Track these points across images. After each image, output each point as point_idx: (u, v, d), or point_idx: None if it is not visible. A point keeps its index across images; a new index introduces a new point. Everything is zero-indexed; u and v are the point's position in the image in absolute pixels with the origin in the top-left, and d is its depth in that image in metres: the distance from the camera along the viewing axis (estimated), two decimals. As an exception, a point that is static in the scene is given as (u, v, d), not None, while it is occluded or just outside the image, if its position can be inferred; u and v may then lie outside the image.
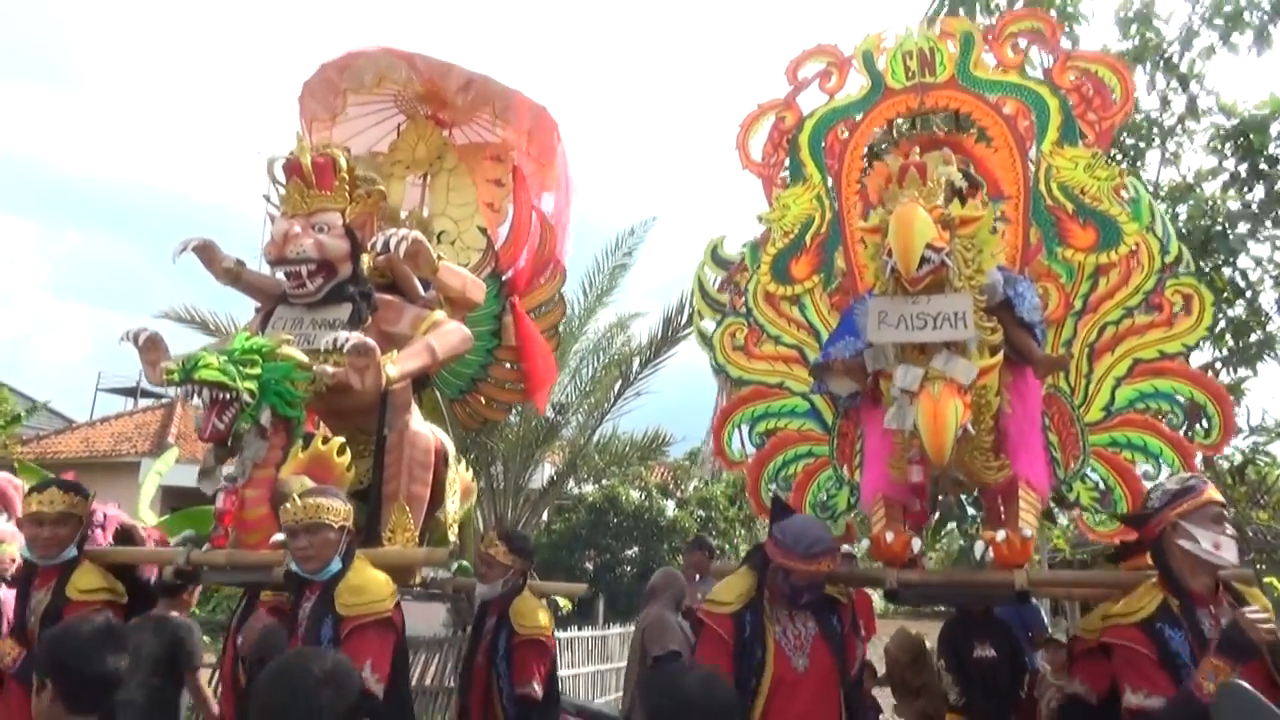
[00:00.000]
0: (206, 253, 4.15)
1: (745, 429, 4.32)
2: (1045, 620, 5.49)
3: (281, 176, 4.09)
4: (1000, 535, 3.38)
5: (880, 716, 5.48)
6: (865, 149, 4.28)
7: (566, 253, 5.35)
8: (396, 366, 3.78)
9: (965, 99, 4.08)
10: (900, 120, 4.30)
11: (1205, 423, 3.72)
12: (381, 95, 5.03)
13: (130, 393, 29.48)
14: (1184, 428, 3.78)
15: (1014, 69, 4.11)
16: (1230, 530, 2.90)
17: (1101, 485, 3.77)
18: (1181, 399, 3.72)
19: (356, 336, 3.65)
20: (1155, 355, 3.74)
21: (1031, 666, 5.10)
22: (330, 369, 3.71)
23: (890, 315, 3.32)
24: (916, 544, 3.52)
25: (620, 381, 10.26)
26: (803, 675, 3.32)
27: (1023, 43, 4.19)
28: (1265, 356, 6.05)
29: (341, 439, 3.86)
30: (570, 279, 9.48)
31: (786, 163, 4.33)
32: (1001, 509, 3.59)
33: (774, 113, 4.41)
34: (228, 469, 3.65)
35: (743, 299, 4.32)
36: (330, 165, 4.06)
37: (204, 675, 4.60)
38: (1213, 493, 2.95)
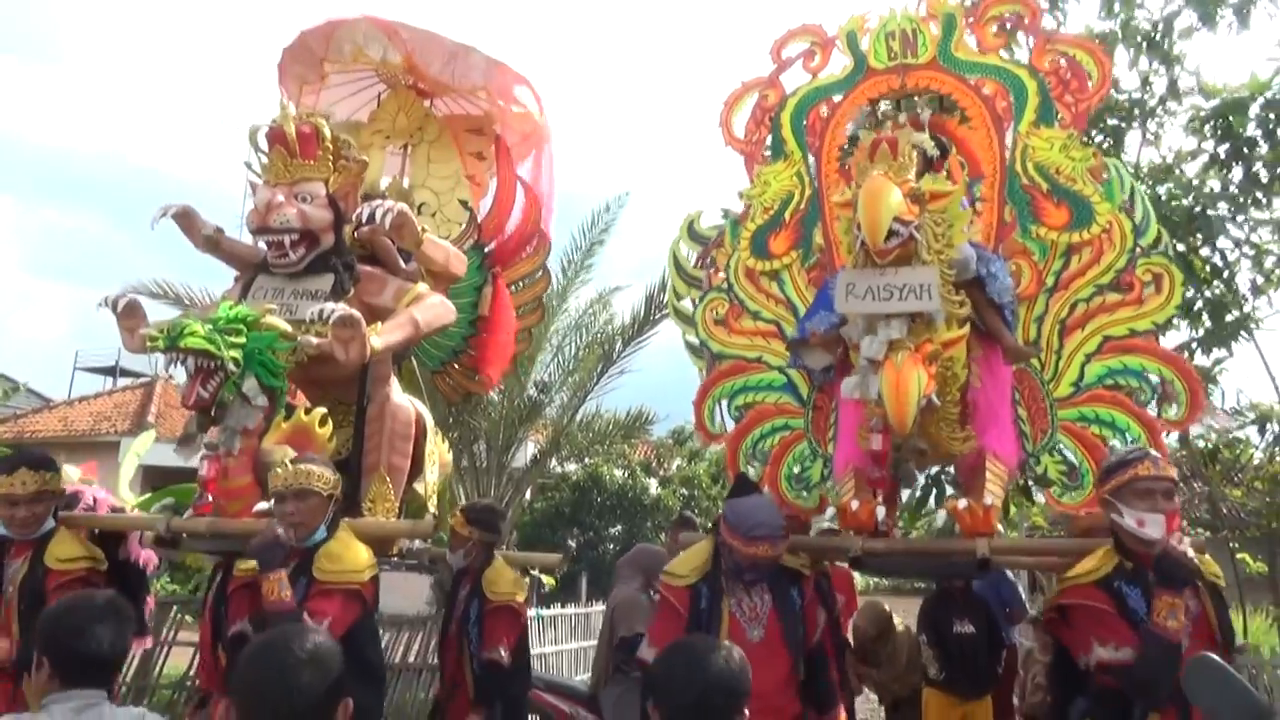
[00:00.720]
0: (186, 219, 4.14)
1: (724, 403, 4.39)
2: (1023, 597, 5.57)
3: (264, 145, 4.07)
4: (963, 504, 3.46)
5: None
6: (851, 128, 4.34)
7: (550, 225, 5.38)
8: (381, 338, 3.79)
9: (946, 80, 4.12)
10: (885, 103, 4.36)
11: (1173, 399, 3.78)
12: (364, 69, 5.03)
13: (109, 371, 29.15)
14: (1152, 404, 3.85)
15: (995, 51, 4.17)
16: (1164, 504, 2.96)
17: (1070, 459, 3.83)
18: (1150, 376, 3.79)
19: (342, 308, 3.66)
20: (1125, 332, 3.80)
21: (1009, 642, 5.20)
22: (314, 339, 3.71)
23: (858, 287, 3.39)
24: (882, 513, 3.59)
25: (603, 360, 10.27)
26: (758, 645, 3.37)
27: (1005, 26, 4.25)
28: (1240, 337, 6.11)
29: (323, 410, 3.89)
30: (550, 257, 9.53)
31: (768, 140, 4.38)
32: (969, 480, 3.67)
33: (757, 90, 4.46)
34: (208, 437, 3.67)
35: (720, 275, 4.39)
36: (314, 134, 4.05)
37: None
38: (1145, 468, 3.00)
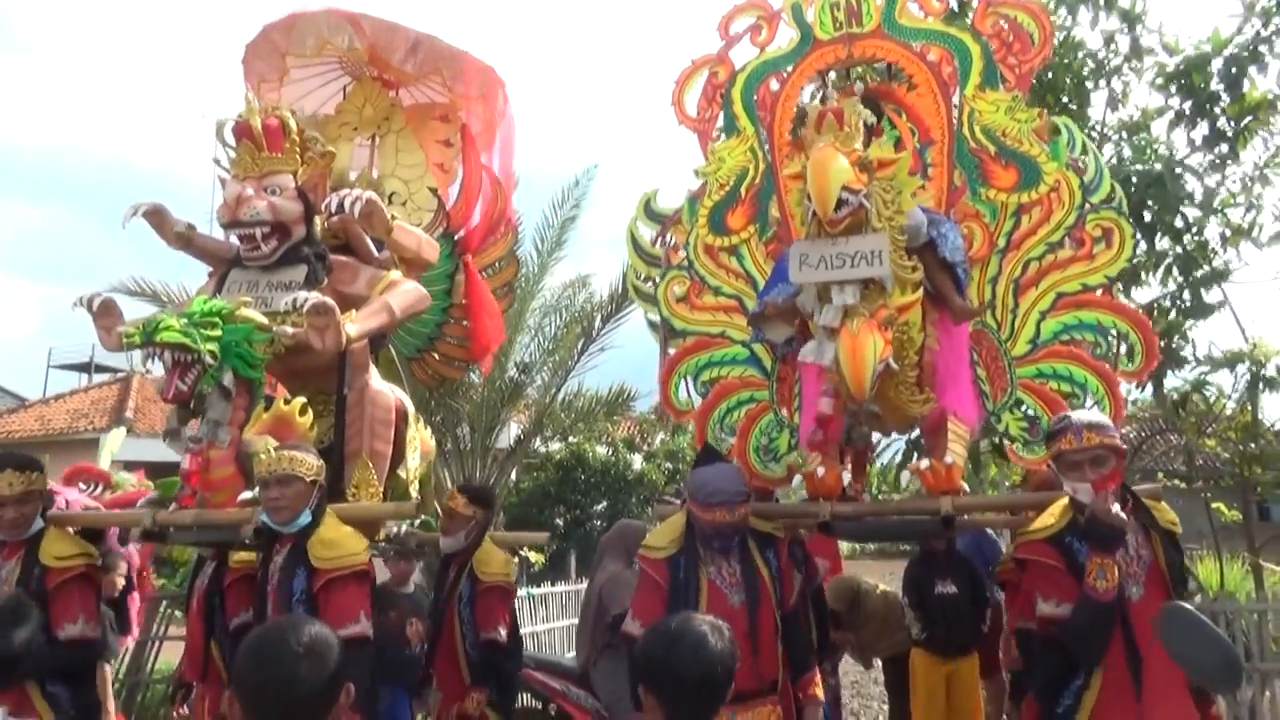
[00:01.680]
0: (157, 217, 4.14)
1: (690, 379, 4.45)
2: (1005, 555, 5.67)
3: (231, 139, 4.09)
4: (924, 464, 3.53)
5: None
6: (802, 102, 4.38)
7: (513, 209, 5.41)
8: (356, 325, 3.80)
9: (891, 48, 4.17)
10: (833, 73, 4.41)
11: (1128, 349, 3.86)
12: (328, 57, 5.03)
13: (83, 368, 29.03)
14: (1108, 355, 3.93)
15: (938, 16, 4.22)
16: (1091, 473, 3.01)
17: (1032, 414, 3.90)
18: (1106, 328, 3.86)
19: (316, 296, 3.67)
20: (1077, 288, 3.85)
21: (993, 600, 5.29)
22: (290, 329, 3.73)
23: (811, 257, 3.45)
24: (847, 477, 3.66)
25: (583, 338, 10.30)
26: (738, 610, 3.45)
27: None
28: (1209, 287, 6.20)
29: (303, 399, 3.93)
30: (524, 238, 9.50)
31: (720, 117, 4.42)
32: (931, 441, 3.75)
33: (707, 68, 4.51)
34: (191, 431, 3.70)
35: (680, 253, 4.44)
36: (280, 127, 4.06)
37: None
38: (1067, 442, 3.05)
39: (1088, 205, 3.88)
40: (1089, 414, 3.21)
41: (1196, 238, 6.33)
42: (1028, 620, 3.46)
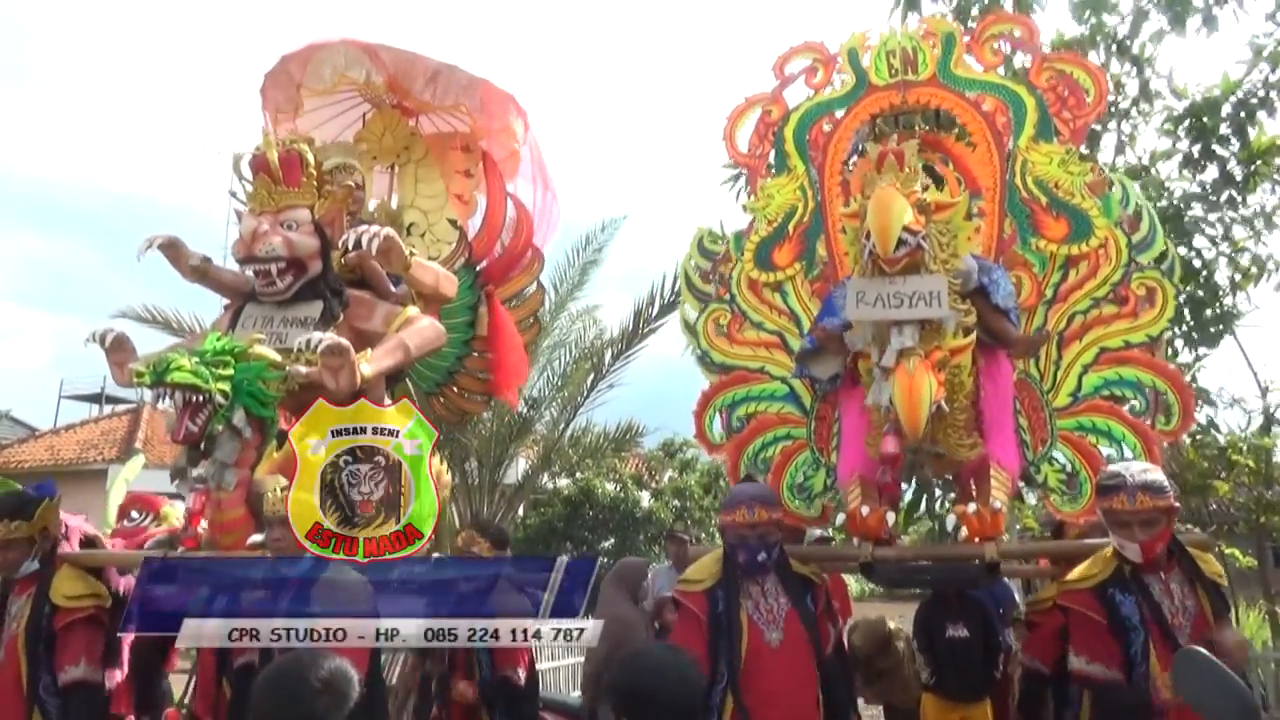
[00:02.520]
0: (172, 250, 4.08)
1: (725, 413, 4.44)
2: (1018, 599, 5.63)
3: (248, 173, 4.03)
4: (971, 508, 3.52)
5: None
6: (853, 145, 4.42)
7: (548, 240, 5.33)
8: (371, 365, 3.76)
9: (945, 96, 4.23)
10: (882, 120, 4.46)
11: (1165, 410, 3.87)
12: (345, 89, 4.99)
13: (94, 399, 28.94)
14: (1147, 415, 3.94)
15: (993, 69, 4.28)
16: (1140, 534, 3.07)
17: (1068, 468, 3.91)
18: (1145, 387, 3.88)
19: (330, 337, 3.63)
20: (1120, 344, 3.91)
21: (1005, 644, 5.23)
22: (304, 369, 3.66)
23: (868, 294, 3.46)
24: (891, 518, 3.64)
25: (592, 374, 10.24)
26: (777, 649, 3.44)
27: (1003, 45, 4.37)
28: (1220, 329, 6.25)
29: None
30: (541, 275, 9.50)
31: (771, 154, 4.46)
32: (973, 487, 3.74)
33: (760, 106, 4.55)
34: (199, 470, 3.61)
35: (726, 289, 4.45)
36: (298, 161, 4.00)
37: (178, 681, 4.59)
38: (1120, 501, 3.10)
39: (1134, 264, 3.92)
40: (1144, 472, 3.19)
41: (1205, 281, 6.38)
42: (1041, 661, 3.47)
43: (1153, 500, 3.05)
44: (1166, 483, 3.16)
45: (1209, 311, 6.24)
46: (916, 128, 4.41)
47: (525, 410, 10.00)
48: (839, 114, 4.36)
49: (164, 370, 3.37)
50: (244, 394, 3.51)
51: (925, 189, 3.59)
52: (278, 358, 3.64)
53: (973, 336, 3.52)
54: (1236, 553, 7.73)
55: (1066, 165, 3.99)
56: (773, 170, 4.45)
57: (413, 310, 4.18)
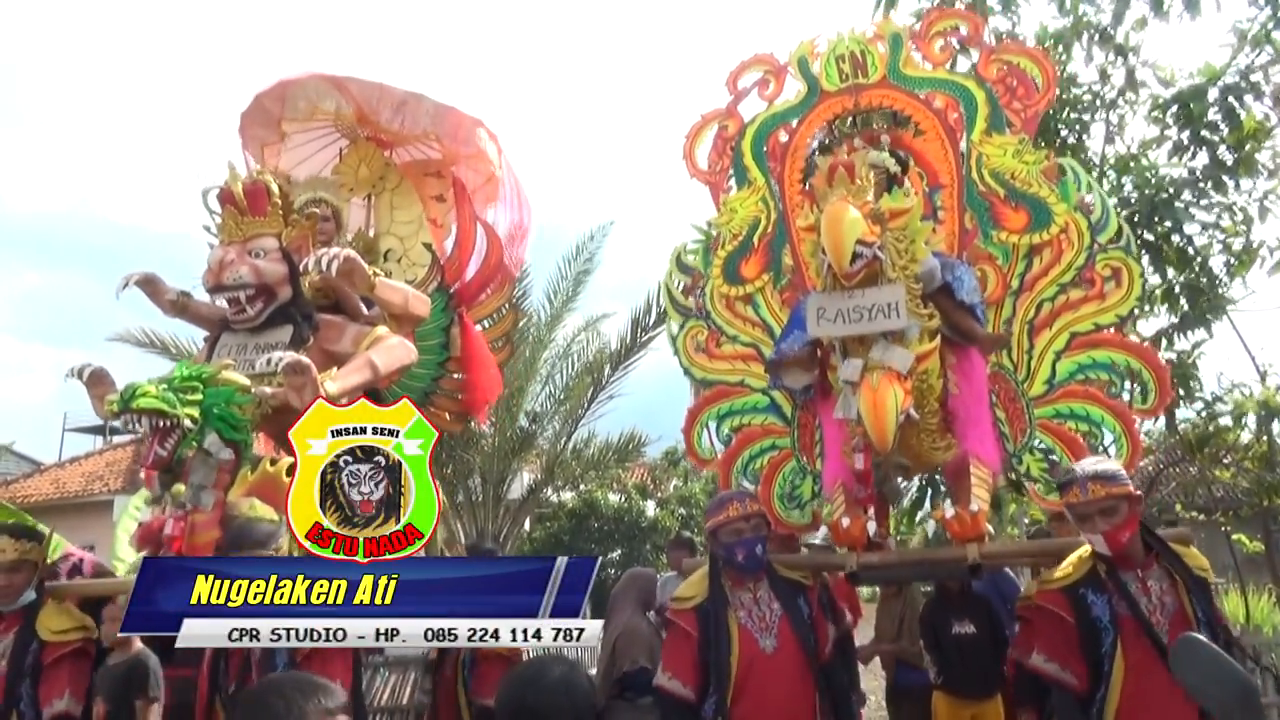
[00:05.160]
0: (150, 286, 4.19)
1: (713, 427, 4.48)
2: (1023, 592, 5.64)
3: (216, 205, 4.14)
4: (950, 512, 3.55)
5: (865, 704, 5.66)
6: (811, 149, 4.45)
7: (521, 261, 5.41)
8: (336, 383, 3.81)
9: (897, 96, 4.25)
10: (840, 122, 4.48)
11: (1141, 388, 3.89)
12: (321, 121, 5.11)
13: (99, 431, 28.89)
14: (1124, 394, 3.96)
15: (942, 65, 4.30)
16: (1101, 524, 3.08)
17: (1052, 455, 3.93)
18: (1119, 367, 3.89)
19: (290, 355, 3.70)
20: (1090, 327, 3.90)
21: (1013, 639, 5.25)
22: (269, 390, 3.74)
23: (829, 310, 3.49)
24: (872, 527, 3.69)
25: (592, 386, 10.35)
26: (772, 656, 3.46)
27: (951, 41, 4.38)
28: (1218, 317, 6.22)
29: (290, 459, 3.91)
30: (535, 288, 9.58)
31: (731, 168, 4.50)
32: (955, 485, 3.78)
33: (716, 122, 4.58)
34: (176, 495, 3.69)
35: (701, 305, 4.49)
36: (263, 191, 4.10)
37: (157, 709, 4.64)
38: (1073, 495, 3.14)
39: (1096, 245, 3.93)
40: (1095, 463, 3.22)
41: (1200, 267, 6.36)
42: (1024, 655, 3.53)
43: (1104, 488, 3.06)
44: (1119, 471, 3.15)
45: (1205, 299, 6.20)
46: (875, 127, 4.44)
47: (527, 425, 10.10)
48: (794, 123, 4.39)
49: (130, 397, 3.47)
50: (215, 418, 3.60)
51: (881, 193, 3.62)
52: (247, 382, 3.73)
53: (936, 341, 3.54)
54: (1243, 537, 7.70)
55: (1021, 155, 4.00)
56: (733, 184, 4.49)
57: (382, 330, 4.25)
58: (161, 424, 3.50)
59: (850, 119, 4.50)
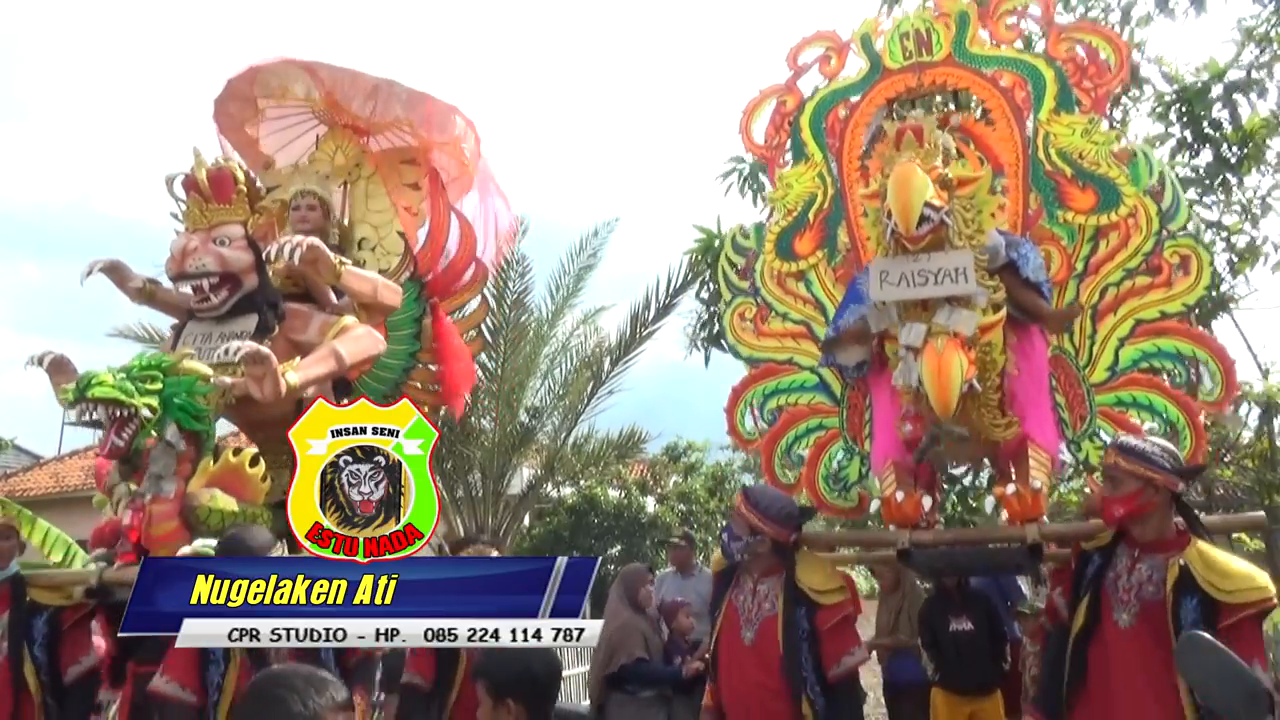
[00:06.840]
0: (116, 273, 4.13)
1: (757, 407, 4.37)
2: (1025, 590, 5.51)
3: (181, 193, 4.07)
4: (1011, 489, 3.43)
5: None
6: (870, 130, 4.36)
7: (499, 253, 5.32)
8: (299, 373, 3.74)
9: (962, 75, 4.17)
10: (900, 103, 4.40)
11: (1208, 381, 3.76)
12: (298, 106, 5.03)
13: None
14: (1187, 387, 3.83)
15: (1009, 44, 4.22)
16: (1105, 489, 3.11)
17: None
18: (1185, 357, 3.77)
19: (249, 345, 3.64)
20: (1156, 315, 3.79)
21: (1012, 637, 5.12)
22: (229, 380, 3.68)
23: (892, 274, 3.39)
24: (927, 503, 3.56)
25: (592, 381, 10.25)
26: (748, 649, 3.40)
27: (1017, 20, 4.30)
28: (1219, 313, 6.12)
29: (254, 450, 3.83)
30: (537, 282, 9.55)
31: (788, 144, 4.42)
32: (1012, 468, 3.65)
33: (775, 97, 4.52)
34: (133, 485, 3.64)
35: (751, 281, 4.40)
36: (229, 178, 4.05)
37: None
38: (1105, 456, 3.17)
39: (1165, 232, 3.82)
40: (1141, 439, 3.17)
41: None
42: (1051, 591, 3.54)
43: (1116, 457, 3.03)
44: (1149, 451, 3.00)
45: (1208, 296, 6.10)
46: (934, 109, 4.35)
47: (528, 420, 10.03)
48: (855, 99, 4.32)
49: (86, 385, 3.42)
50: (175, 408, 3.55)
51: (947, 163, 3.52)
52: (208, 371, 3.67)
53: (1003, 313, 3.44)
54: (1244, 537, 7.53)
55: (1090, 135, 3.90)
56: (790, 160, 4.41)
57: (349, 319, 4.17)
58: (119, 414, 3.45)
59: (910, 102, 4.41)
